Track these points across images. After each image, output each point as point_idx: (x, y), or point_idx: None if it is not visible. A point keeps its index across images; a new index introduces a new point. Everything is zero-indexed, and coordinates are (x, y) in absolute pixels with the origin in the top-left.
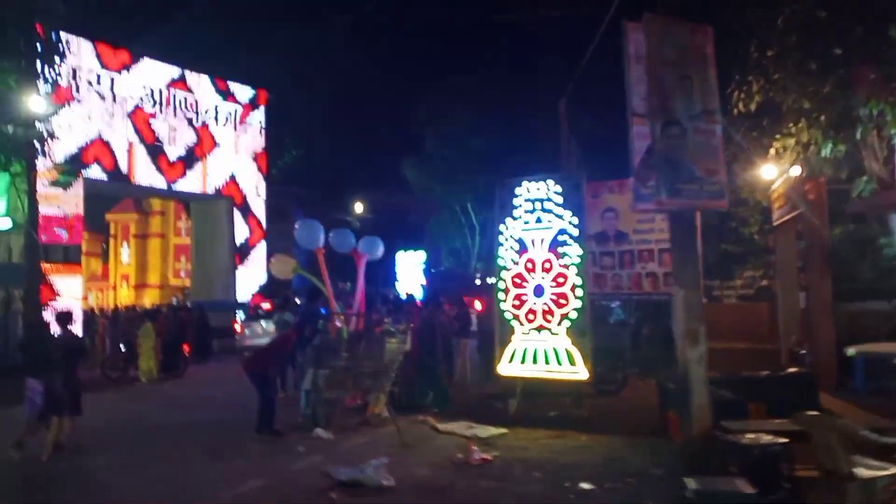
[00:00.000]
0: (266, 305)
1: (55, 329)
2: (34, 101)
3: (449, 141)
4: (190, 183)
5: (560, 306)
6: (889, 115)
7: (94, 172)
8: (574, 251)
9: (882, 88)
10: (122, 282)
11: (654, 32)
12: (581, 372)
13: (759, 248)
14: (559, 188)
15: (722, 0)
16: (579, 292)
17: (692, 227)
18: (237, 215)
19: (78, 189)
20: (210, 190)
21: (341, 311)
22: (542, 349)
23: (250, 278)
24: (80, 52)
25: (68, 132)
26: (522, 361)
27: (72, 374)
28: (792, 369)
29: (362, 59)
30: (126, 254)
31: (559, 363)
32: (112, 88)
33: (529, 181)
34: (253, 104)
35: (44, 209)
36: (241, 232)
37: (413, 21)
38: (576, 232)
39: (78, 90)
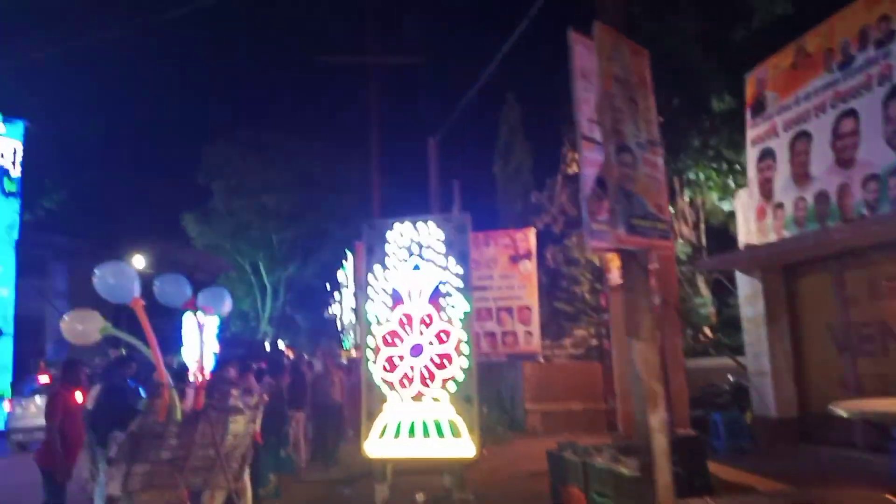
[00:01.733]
0: (44, 379)
1: None
2: None
3: (239, 195)
4: None
5: (442, 368)
6: (711, 180)
7: None
8: (459, 303)
9: (702, 156)
10: None
11: (604, 45)
12: (467, 446)
13: (589, 307)
14: (441, 232)
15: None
16: (465, 349)
17: (645, 268)
18: None
19: None
20: None
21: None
22: (419, 420)
23: None
24: None
25: None
26: (396, 436)
27: None
28: (680, 431)
29: (142, 91)
30: None
31: (441, 436)
32: None
33: (404, 222)
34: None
35: None
36: None
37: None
38: (460, 283)
39: None
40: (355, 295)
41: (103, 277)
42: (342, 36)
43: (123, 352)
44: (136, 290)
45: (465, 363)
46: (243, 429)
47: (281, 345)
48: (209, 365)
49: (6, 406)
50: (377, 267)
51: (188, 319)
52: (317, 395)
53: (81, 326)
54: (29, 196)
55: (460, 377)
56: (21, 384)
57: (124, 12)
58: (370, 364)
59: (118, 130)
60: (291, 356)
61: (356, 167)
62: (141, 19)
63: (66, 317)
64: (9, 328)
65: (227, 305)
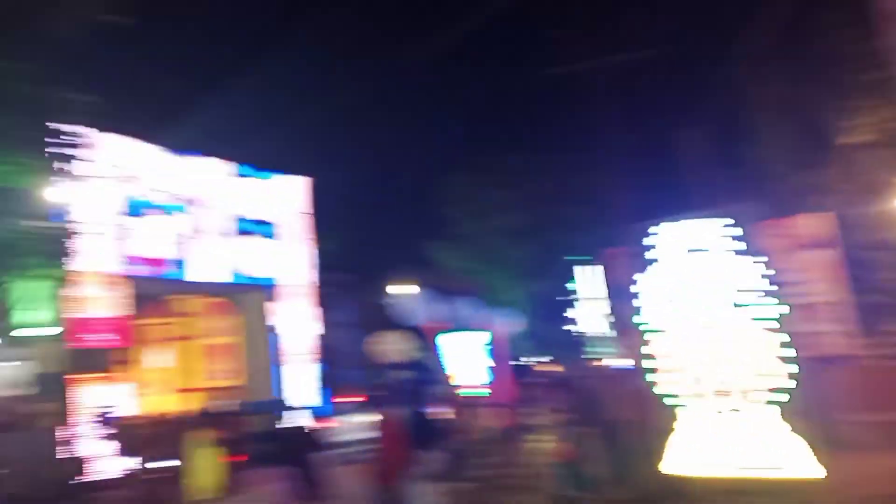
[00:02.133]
0: (359, 399)
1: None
2: (52, 196)
3: (480, 219)
4: (223, 273)
5: (759, 375)
6: None
7: (138, 270)
8: (768, 303)
9: None
10: (158, 387)
11: None
12: (809, 465)
13: None
14: (724, 227)
15: None
16: (786, 353)
17: None
18: (280, 305)
19: (125, 289)
20: (250, 280)
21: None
22: (740, 434)
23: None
24: (105, 146)
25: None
26: (707, 453)
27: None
28: None
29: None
30: (159, 360)
31: (772, 453)
32: (143, 183)
33: (681, 220)
34: (292, 190)
35: (90, 312)
36: (287, 323)
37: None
38: (762, 281)
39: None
40: (612, 302)
41: (396, 303)
42: (563, 45)
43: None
44: (426, 313)
45: (789, 369)
46: (549, 447)
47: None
48: (485, 379)
49: (329, 424)
50: (652, 270)
51: (446, 342)
52: (603, 409)
53: (387, 347)
54: (318, 241)
55: (786, 385)
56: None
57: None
58: (656, 374)
59: (372, 169)
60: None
61: (588, 175)
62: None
63: (371, 339)
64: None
65: (518, 323)
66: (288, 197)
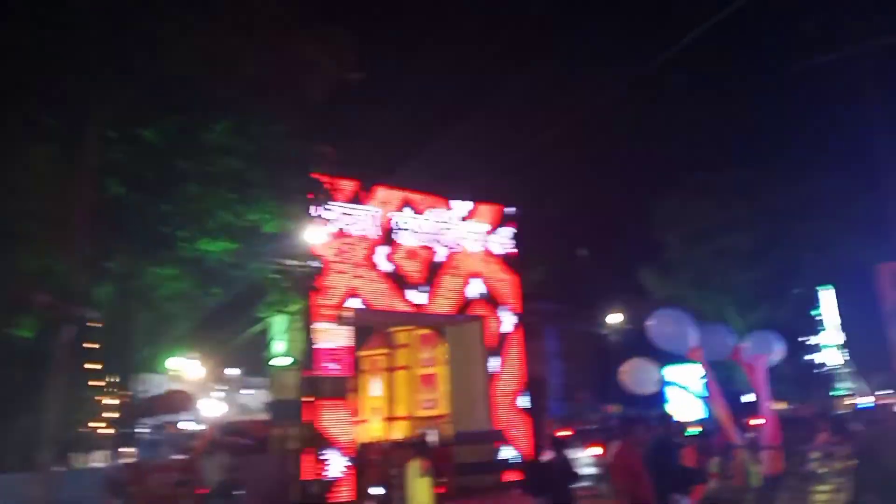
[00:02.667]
0: (566, 433)
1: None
2: (309, 240)
3: (696, 242)
4: (441, 306)
5: None
6: None
7: (355, 303)
8: None
9: None
10: (373, 415)
11: None
12: None
13: None
14: None
15: None
16: None
17: None
18: (490, 337)
19: (346, 322)
20: (462, 312)
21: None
22: None
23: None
24: (351, 192)
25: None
26: None
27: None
28: None
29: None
30: (377, 388)
31: None
32: (366, 222)
33: None
34: (498, 222)
35: (323, 343)
36: (497, 356)
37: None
38: None
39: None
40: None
41: (660, 326)
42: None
43: (620, 408)
44: (694, 339)
45: None
46: (827, 499)
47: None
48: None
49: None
50: None
51: (670, 375)
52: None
53: (642, 376)
54: (522, 271)
55: None
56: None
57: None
58: None
59: (579, 195)
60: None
61: (828, 187)
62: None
63: (625, 367)
64: (520, 388)
65: (778, 351)
66: (498, 228)
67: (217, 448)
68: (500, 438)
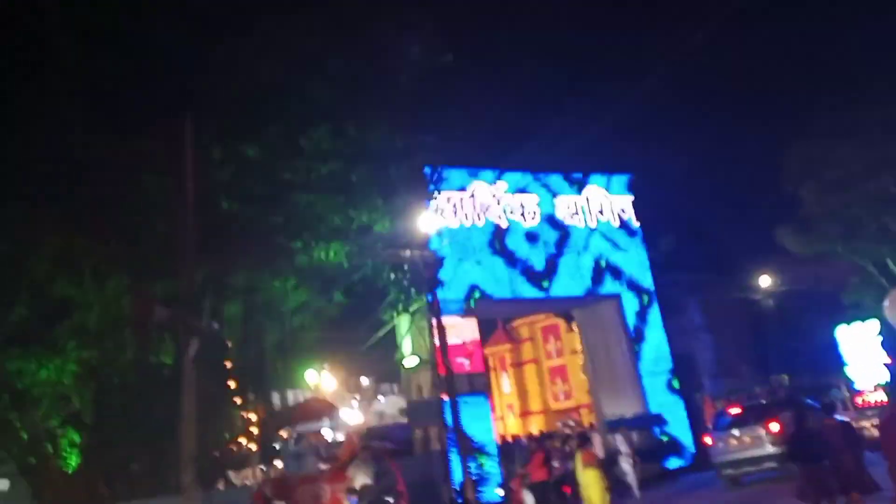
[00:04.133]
0: (735, 410)
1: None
2: (423, 231)
3: (841, 189)
4: (568, 288)
5: None
6: None
7: (482, 295)
8: None
9: None
10: (507, 411)
11: None
12: None
13: None
14: None
15: None
16: None
17: None
18: (626, 315)
19: (472, 316)
20: (591, 292)
21: None
22: None
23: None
24: (455, 180)
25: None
26: None
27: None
28: None
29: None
30: (507, 384)
31: None
32: (477, 209)
33: None
34: (623, 191)
35: (451, 339)
36: (636, 335)
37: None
38: None
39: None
40: None
41: None
42: None
43: (786, 378)
44: None
45: None
46: None
47: None
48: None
49: (708, 441)
50: None
51: (843, 336)
52: None
53: None
54: (650, 242)
55: None
56: (714, 419)
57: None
58: None
59: (699, 155)
60: None
61: None
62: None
63: (887, 301)
64: (666, 366)
65: None
66: (620, 199)
67: (362, 455)
68: (658, 422)
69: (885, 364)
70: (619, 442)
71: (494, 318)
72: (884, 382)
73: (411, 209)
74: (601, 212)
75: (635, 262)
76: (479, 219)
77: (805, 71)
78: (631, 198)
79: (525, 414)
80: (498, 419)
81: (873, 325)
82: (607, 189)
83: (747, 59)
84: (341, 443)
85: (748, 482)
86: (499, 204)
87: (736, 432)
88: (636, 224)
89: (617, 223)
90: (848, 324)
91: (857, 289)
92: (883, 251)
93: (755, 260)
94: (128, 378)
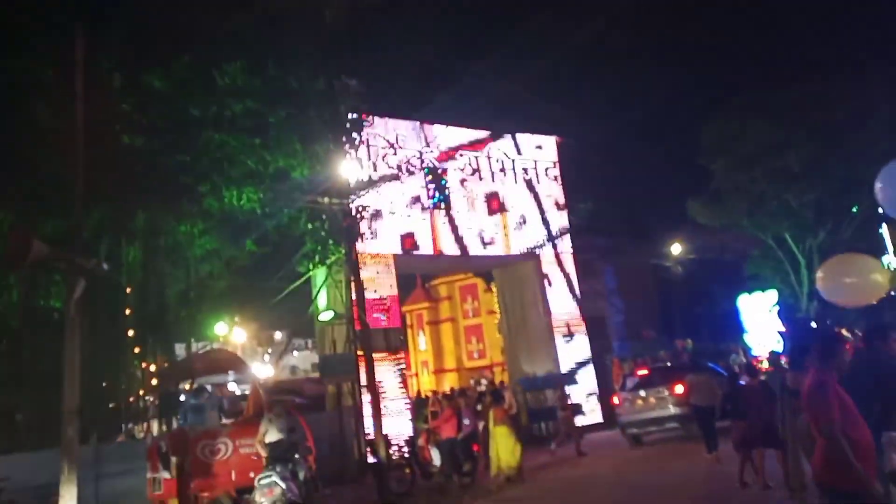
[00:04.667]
0: (642, 372)
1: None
2: (344, 180)
3: (746, 167)
4: (493, 248)
5: None
6: None
7: (398, 248)
8: None
9: None
10: (422, 368)
11: None
12: None
13: None
14: None
15: None
16: None
17: None
18: (544, 276)
19: (391, 270)
20: (514, 252)
21: None
22: None
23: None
24: (377, 128)
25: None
26: None
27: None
28: None
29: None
30: (423, 341)
31: None
32: (403, 161)
33: None
34: (547, 154)
35: (369, 294)
36: (554, 295)
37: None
38: None
39: (375, 167)
40: None
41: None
42: None
43: (691, 343)
44: None
45: None
46: None
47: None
48: (773, 346)
49: (616, 400)
50: None
51: (745, 305)
52: None
53: (853, 280)
54: (570, 205)
55: None
56: (622, 380)
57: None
58: None
59: (622, 125)
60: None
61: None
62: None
63: (821, 272)
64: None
65: None
66: (540, 159)
67: (276, 409)
68: (568, 381)
69: (779, 332)
70: (552, 399)
71: (414, 273)
72: (772, 350)
73: (333, 157)
74: (525, 171)
75: (555, 223)
76: (404, 171)
77: (729, 47)
78: (555, 159)
79: (439, 371)
80: (412, 376)
81: (772, 295)
82: (533, 149)
83: (674, 33)
84: (247, 396)
85: (650, 441)
86: (424, 157)
87: (642, 393)
88: (559, 185)
89: (540, 183)
90: (749, 293)
91: (756, 261)
92: (783, 227)
93: (668, 228)
94: (13, 322)
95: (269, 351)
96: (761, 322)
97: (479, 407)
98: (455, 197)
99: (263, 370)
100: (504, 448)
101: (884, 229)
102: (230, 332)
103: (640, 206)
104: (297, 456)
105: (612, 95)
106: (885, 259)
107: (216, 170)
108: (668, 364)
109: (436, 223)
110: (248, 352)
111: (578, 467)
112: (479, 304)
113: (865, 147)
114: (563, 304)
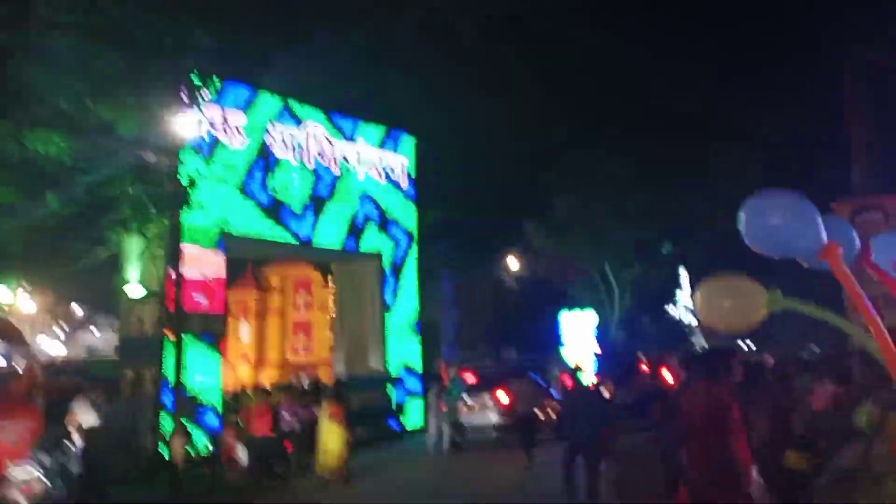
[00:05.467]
0: (470, 378)
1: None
2: (177, 142)
3: (585, 205)
4: (329, 240)
5: None
6: None
7: (233, 229)
8: None
9: None
10: (242, 361)
11: None
12: None
13: None
14: None
15: None
16: None
17: None
18: (384, 275)
19: (219, 249)
20: (353, 249)
21: None
22: None
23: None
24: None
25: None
26: None
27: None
28: None
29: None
30: (246, 332)
31: None
32: (243, 134)
33: None
34: (399, 149)
35: (189, 273)
36: (392, 296)
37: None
38: None
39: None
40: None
41: (768, 217)
42: None
43: (515, 353)
44: (823, 233)
45: None
46: None
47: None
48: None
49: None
50: None
51: (566, 320)
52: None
53: (732, 303)
54: (420, 208)
55: None
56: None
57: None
58: None
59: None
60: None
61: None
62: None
63: (698, 295)
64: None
65: None
66: (393, 156)
67: (92, 394)
68: (396, 384)
69: (595, 353)
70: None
71: (245, 258)
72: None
73: (168, 116)
74: (377, 166)
75: (403, 224)
76: (244, 144)
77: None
78: (410, 158)
79: (260, 365)
80: (230, 368)
81: (590, 314)
82: (389, 145)
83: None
84: (17, 374)
85: (470, 447)
86: (270, 133)
87: (467, 399)
88: (409, 186)
89: (391, 181)
90: (570, 310)
91: (579, 286)
92: (605, 258)
93: (506, 242)
94: None
95: (65, 326)
96: (577, 339)
97: (302, 404)
98: (297, 180)
99: (53, 347)
100: (330, 447)
101: (681, 270)
102: (15, 300)
103: (484, 217)
104: (70, 447)
105: (483, 103)
106: (678, 293)
107: (19, 106)
108: (493, 372)
109: (272, 204)
110: (38, 326)
111: (402, 470)
112: (312, 299)
113: (685, 199)
114: (400, 306)
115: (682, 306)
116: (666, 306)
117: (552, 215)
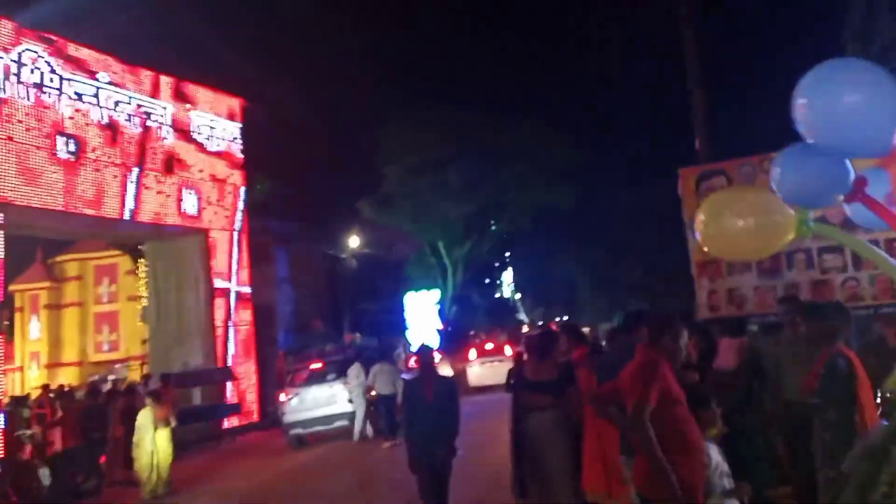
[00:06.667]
0: (316, 366)
1: None
2: None
3: (415, 176)
4: (146, 213)
5: None
6: None
7: (18, 200)
8: None
9: None
10: (30, 362)
11: None
12: None
13: None
14: None
15: None
16: None
17: None
18: (209, 255)
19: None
20: (174, 221)
21: None
22: None
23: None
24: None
25: None
26: None
27: None
28: None
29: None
30: (36, 329)
31: None
32: (39, 85)
33: None
34: (228, 115)
35: None
36: (219, 278)
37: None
38: None
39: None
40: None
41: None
42: None
43: (359, 336)
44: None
45: None
46: None
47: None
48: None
49: (282, 397)
50: None
51: (410, 301)
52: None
53: (750, 222)
54: (248, 180)
55: None
56: (290, 376)
57: None
58: None
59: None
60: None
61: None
62: None
63: (701, 212)
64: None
65: None
66: (220, 120)
67: None
68: (227, 377)
69: (437, 329)
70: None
71: (35, 237)
72: (423, 343)
73: None
74: (200, 132)
75: (229, 197)
76: (43, 96)
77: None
78: (238, 124)
79: (55, 365)
80: (15, 370)
81: (435, 294)
82: (215, 106)
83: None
84: None
85: (314, 441)
86: (71, 84)
87: (313, 389)
88: (239, 156)
89: (216, 148)
90: (415, 291)
91: (414, 263)
92: (437, 235)
93: (345, 219)
94: None
95: None
96: (423, 319)
97: (111, 409)
98: (108, 146)
99: None
100: (164, 456)
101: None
102: None
103: (321, 193)
104: None
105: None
106: (504, 275)
107: None
108: (338, 358)
109: (70, 174)
110: None
111: (238, 477)
112: (118, 287)
113: (518, 173)
114: (228, 288)
115: (507, 285)
116: (495, 282)
117: (383, 189)
